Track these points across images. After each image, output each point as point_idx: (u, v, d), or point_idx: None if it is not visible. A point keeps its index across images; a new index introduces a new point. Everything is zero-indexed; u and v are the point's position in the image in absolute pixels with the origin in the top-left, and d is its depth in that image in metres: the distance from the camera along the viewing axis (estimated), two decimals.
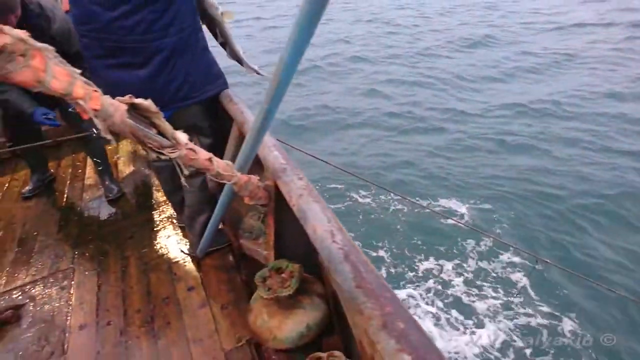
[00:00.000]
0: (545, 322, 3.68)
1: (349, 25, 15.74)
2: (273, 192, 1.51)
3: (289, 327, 1.39)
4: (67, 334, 1.83)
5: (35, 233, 2.58)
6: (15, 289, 2.13)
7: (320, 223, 1.08)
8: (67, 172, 3.28)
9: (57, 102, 2.54)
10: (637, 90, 8.15)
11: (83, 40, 1.60)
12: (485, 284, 4.13)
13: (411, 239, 4.74)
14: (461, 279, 4.19)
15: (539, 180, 5.62)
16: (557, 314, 3.75)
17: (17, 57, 0.63)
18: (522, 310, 3.81)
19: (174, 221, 2.52)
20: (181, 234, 2.41)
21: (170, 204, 2.57)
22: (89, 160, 3.32)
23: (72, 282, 2.14)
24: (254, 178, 1.41)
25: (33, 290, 2.11)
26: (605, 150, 6.24)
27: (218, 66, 1.90)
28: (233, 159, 1.41)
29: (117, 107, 0.81)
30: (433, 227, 4.86)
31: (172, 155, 0.96)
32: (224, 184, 1.45)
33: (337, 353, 1.13)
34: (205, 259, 2.18)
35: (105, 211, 2.73)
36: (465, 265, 4.36)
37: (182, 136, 0.99)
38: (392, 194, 5.22)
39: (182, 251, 2.27)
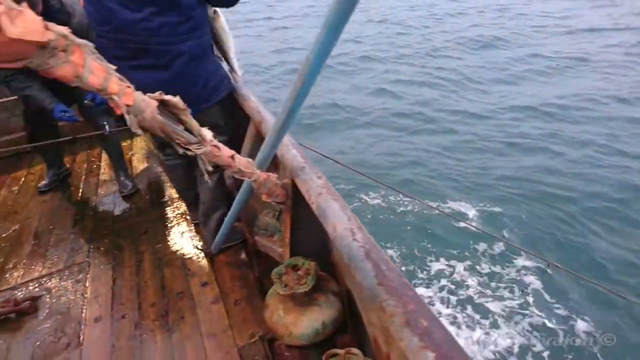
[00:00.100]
0: (558, 325, 3.66)
1: (360, 25, 15.74)
2: (290, 189, 1.52)
3: (305, 323, 1.40)
4: (82, 326, 1.86)
5: (51, 227, 2.62)
6: (32, 280, 2.17)
7: (340, 221, 1.09)
8: (82, 167, 3.33)
9: (75, 98, 2.58)
10: None
11: (100, 41, 1.58)
12: (497, 285, 4.12)
13: (421, 240, 4.73)
14: (474, 280, 4.18)
15: (549, 183, 5.58)
16: (571, 316, 3.73)
17: (58, 53, 0.64)
18: (536, 312, 3.80)
19: (187, 218, 2.54)
20: (194, 230, 2.44)
21: (183, 201, 2.61)
22: (104, 156, 3.37)
23: (88, 276, 2.17)
24: (273, 176, 1.42)
25: (49, 283, 2.14)
26: (616, 153, 6.19)
27: (223, 67, 1.99)
28: (249, 157, 1.42)
29: (148, 103, 0.83)
30: (443, 228, 4.84)
31: (198, 152, 0.98)
32: (241, 182, 1.47)
33: (354, 350, 1.14)
34: (219, 255, 2.20)
35: (119, 206, 2.77)
36: (477, 267, 4.35)
37: (207, 133, 1.02)
38: (401, 195, 5.22)
39: (195, 247, 2.30)
